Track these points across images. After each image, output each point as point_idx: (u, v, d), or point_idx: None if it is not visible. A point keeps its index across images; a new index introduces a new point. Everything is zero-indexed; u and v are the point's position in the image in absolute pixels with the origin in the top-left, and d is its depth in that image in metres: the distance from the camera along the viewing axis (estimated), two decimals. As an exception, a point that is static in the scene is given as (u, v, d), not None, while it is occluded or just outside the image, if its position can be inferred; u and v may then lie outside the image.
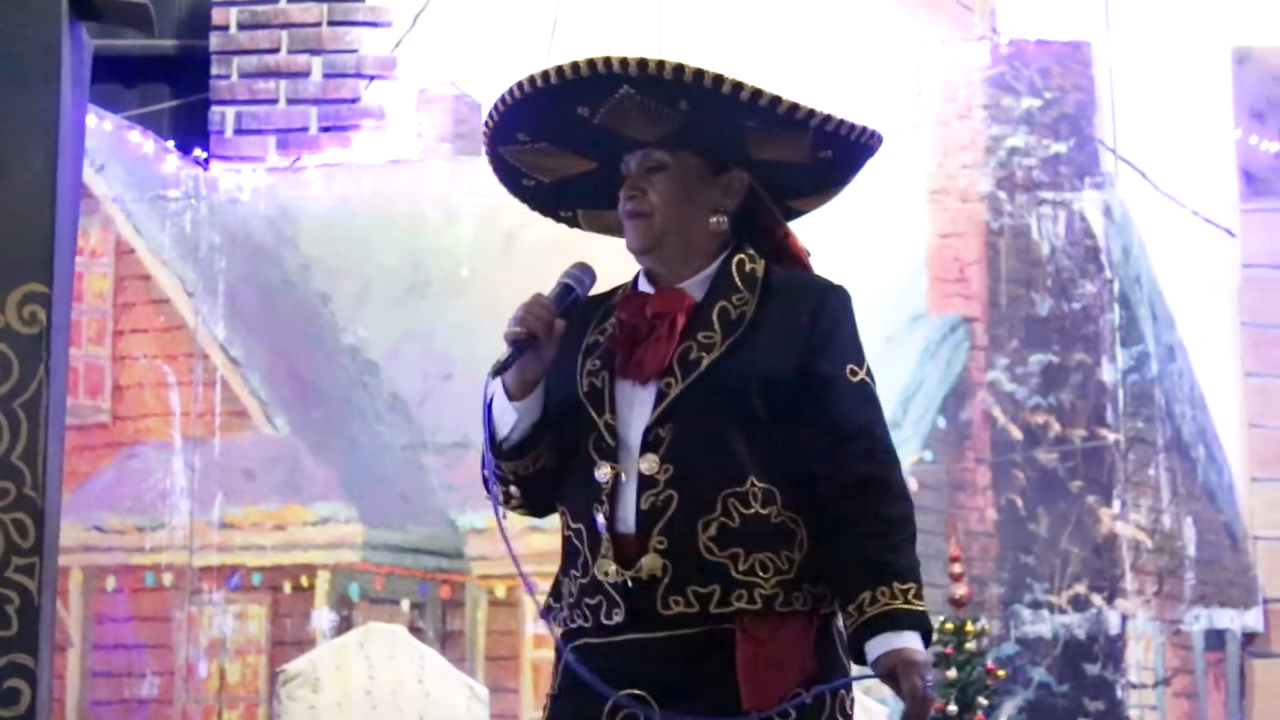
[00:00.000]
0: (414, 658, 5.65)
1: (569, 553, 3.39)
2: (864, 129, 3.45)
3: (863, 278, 6.93)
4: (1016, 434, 6.82)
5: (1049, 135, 6.98)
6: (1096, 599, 6.71)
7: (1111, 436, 6.80)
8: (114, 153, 7.00)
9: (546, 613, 3.44)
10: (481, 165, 3.73)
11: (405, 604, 6.77)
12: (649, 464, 3.27)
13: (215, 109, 7.29)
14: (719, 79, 3.29)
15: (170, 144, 7.13)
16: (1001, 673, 6.12)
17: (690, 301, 3.37)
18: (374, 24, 7.34)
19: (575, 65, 3.32)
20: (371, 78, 7.29)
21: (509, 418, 3.36)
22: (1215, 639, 6.84)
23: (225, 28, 7.35)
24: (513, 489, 3.42)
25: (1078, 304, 6.88)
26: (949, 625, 6.04)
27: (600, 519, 3.28)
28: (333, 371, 6.94)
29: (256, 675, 6.75)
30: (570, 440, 3.38)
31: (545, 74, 3.35)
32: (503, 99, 3.43)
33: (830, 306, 3.37)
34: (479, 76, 7.11)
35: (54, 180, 4.32)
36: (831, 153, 3.47)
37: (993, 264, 6.93)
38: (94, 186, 6.89)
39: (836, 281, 3.43)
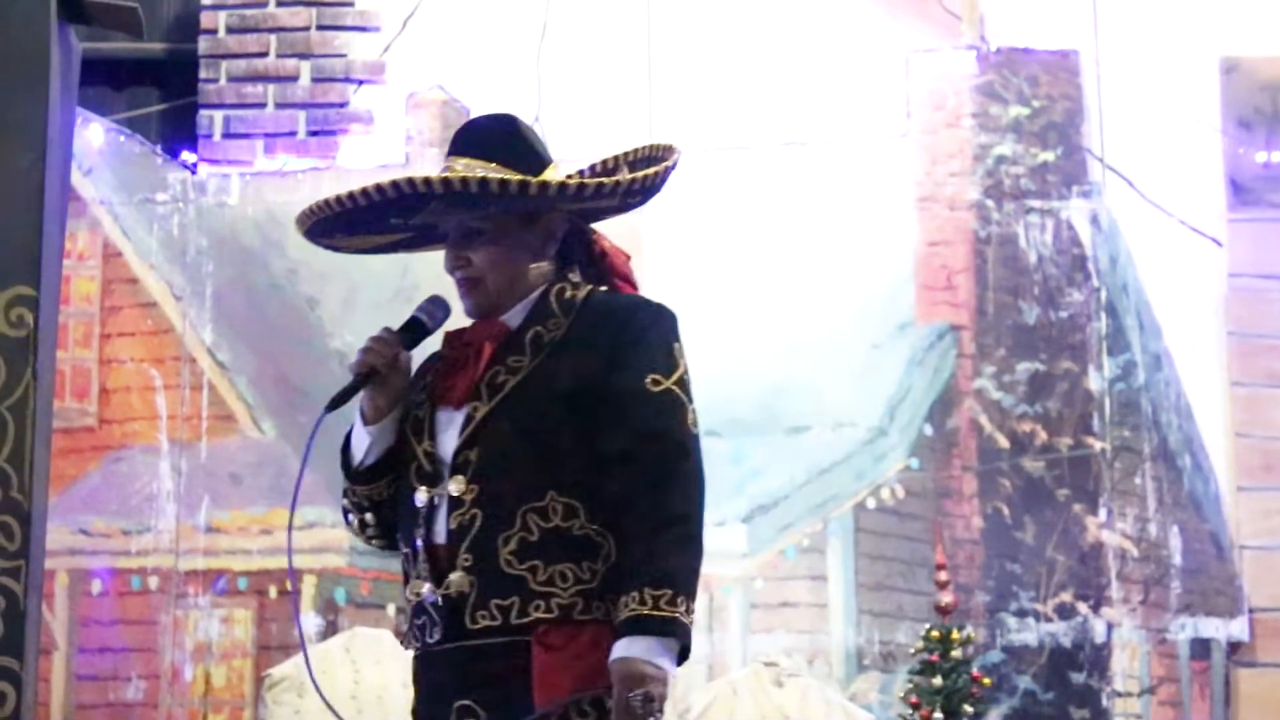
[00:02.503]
0: (400, 663, 5.64)
1: (404, 575, 3.46)
2: (670, 167, 3.51)
3: (850, 285, 6.95)
4: (1003, 442, 6.82)
5: (1037, 144, 6.99)
6: (1082, 607, 6.71)
7: (1098, 445, 6.80)
8: (102, 156, 6.99)
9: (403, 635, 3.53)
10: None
11: (391, 609, 6.76)
12: (457, 485, 3.36)
13: (203, 113, 7.28)
14: (525, 185, 3.35)
15: (158, 147, 7.13)
16: (987, 680, 6.12)
17: (504, 329, 3.44)
18: (363, 28, 7.33)
19: (380, 188, 3.36)
20: (360, 82, 7.28)
21: (363, 441, 3.54)
22: (1201, 648, 6.84)
23: (214, 31, 7.35)
24: (368, 516, 3.58)
25: (1065, 312, 6.89)
26: (935, 633, 6.04)
27: (418, 542, 3.38)
28: (320, 376, 6.93)
29: (242, 679, 6.74)
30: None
31: (351, 195, 3.40)
32: (309, 212, 3.48)
33: (636, 321, 3.40)
34: (468, 81, 7.11)
35: (42, 183, 4.31)
36: (643, 195, 3.54)
37: (980, 272, 6.93)
38: (82, 189, 6.88)
39: (655, 301, 3.47)
